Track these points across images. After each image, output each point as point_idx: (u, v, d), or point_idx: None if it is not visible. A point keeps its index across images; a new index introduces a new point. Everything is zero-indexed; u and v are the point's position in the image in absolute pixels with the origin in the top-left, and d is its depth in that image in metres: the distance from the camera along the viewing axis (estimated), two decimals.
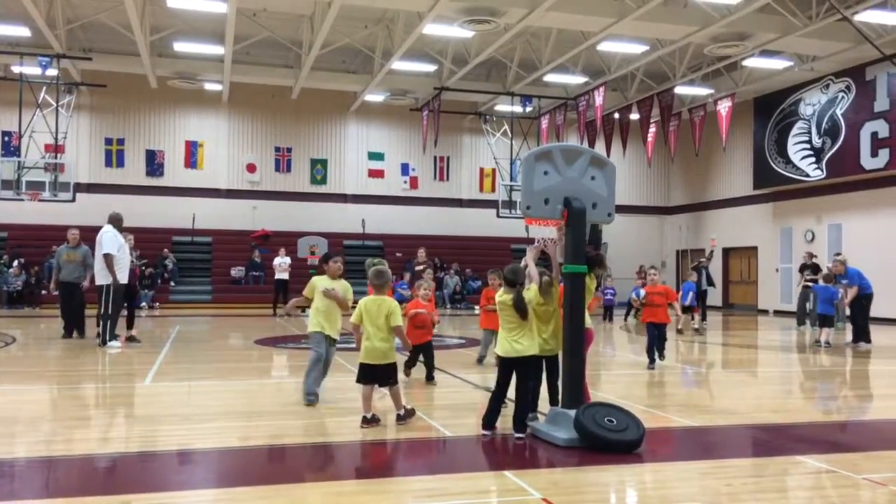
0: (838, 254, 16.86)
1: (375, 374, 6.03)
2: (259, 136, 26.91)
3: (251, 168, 26.73)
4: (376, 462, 5.33)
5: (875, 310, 14.76)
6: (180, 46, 21.74)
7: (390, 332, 6.05)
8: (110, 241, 11.36)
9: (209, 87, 24.87)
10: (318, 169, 27.34)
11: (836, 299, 13.42)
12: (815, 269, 17.92)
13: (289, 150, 27.07)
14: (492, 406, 5.85)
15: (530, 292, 5.79)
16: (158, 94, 25.02)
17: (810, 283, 17.07)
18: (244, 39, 20.59)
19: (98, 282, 11.51)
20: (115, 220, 11.69)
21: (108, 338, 11.33)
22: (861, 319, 13.67)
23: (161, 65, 23.00)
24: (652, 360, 10.00)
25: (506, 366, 5.78)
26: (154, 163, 25.91)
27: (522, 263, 6.26)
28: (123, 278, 11.54)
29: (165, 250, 24.31)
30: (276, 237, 25.26)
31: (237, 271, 24.96)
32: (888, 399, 8.68)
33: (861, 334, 13.48)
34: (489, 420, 5.80)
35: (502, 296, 5.77)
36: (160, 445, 5.57)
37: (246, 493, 4.35)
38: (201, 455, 5.30)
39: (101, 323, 11.49)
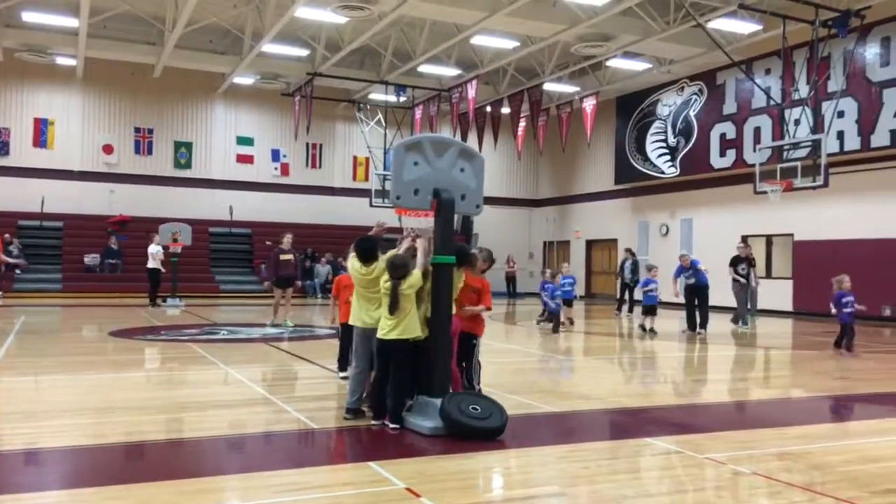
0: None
1: None
2: (117, 115, 25.44)
3: (108, 149, 25.22)
4: (236, 457, 5.18)
5: (719, 299, 16.24)
6: (30, 17, 20.15)
7: None
8: None
9: (62, 61, 23.23)
10: (182, 152, 26.20)
11: (651, 287, 14.39)
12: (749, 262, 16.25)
13: (150, 131, 25.76)
14: (378, 392, 5.84)
15: (413, 277, 5.80)
16: (4, 68, 23.14)
17: (739, 278, 15.85)
18: (101, 12, 19.38)
19: None
20: None
21: None
22: (692, 309, 14.53)
23: (8, 36, 21.26)
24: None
25: (381, 350, 5.81)
26: None
27: (401, 250, 6.19)
28: None
29: (8, 235, 22.55)
30: (135, 223, 24.03)
31: (91, 259, 23.54)
32: (725, 383, 9.36)
33: (694, 323, 14.38)
34: (380, 409, 5.78)
35: (385, 283, 5.84)
36: (2, 445, 5.18)
37: (94, 493, 4.12)
38: (48, 454, 4.97)
39: None
